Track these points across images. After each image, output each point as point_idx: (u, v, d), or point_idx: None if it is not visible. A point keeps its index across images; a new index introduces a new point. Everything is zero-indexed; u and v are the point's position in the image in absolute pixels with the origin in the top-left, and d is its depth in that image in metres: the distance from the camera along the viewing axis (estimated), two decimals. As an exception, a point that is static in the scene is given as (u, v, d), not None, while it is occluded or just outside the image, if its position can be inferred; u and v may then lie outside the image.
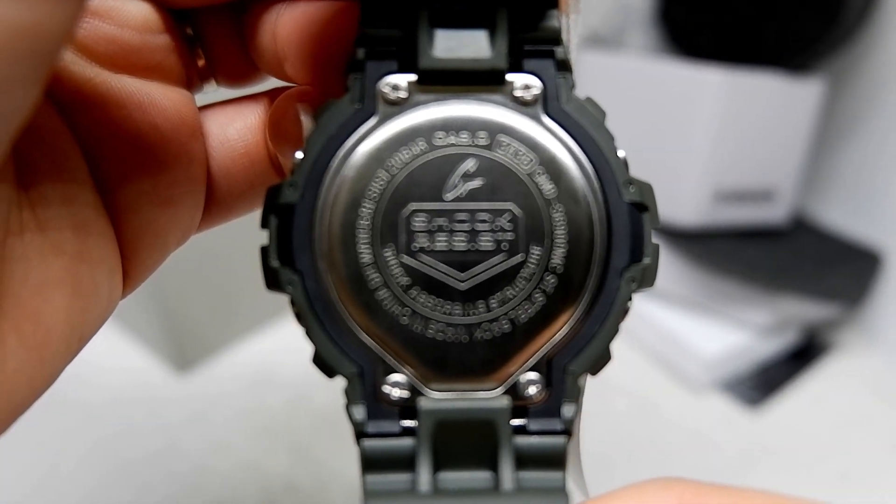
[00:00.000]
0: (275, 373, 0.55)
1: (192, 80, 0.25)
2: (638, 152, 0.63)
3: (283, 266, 0.18)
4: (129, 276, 0.23)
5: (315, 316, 0.18)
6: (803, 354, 0.62)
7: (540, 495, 0.17)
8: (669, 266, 0.62)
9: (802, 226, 0.69)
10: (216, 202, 0.25)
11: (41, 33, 0.15)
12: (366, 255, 0.17)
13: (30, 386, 0.18)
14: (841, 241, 0.66)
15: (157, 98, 0.23)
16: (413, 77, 0.18)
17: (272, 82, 0.25)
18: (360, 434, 0.18)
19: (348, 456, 0.48)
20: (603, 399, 0.56)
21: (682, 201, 0.61)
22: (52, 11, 0.15)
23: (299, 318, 0.18)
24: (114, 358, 0.55)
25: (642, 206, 0.18)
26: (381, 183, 0.17)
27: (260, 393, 0.53)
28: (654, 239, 0.18)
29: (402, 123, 0.17)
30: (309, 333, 0.18)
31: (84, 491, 0.45)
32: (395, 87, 0.18)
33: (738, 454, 0.53)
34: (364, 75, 0.18)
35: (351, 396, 0.18)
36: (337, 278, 0.17)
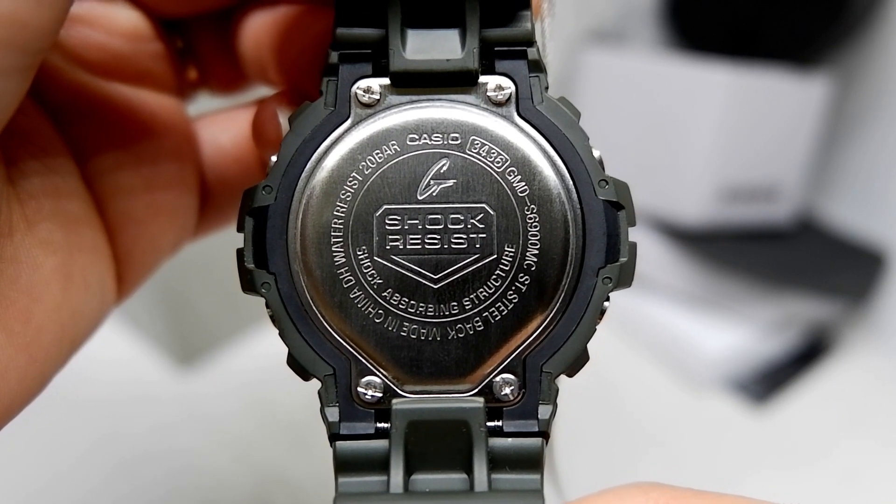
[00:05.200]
0: (276, 368, 0.55)
1: (183, 89, 0.25)
2: (642, 151, 0.63)
3: (258, 268, 0.18)
4: (124, 280, 0.23)
5: (289, 318, 0.18)
6: (808, 353, 0.61)
7: (514, 497, 0.17)
8: (673, 264, 0.62)
9: (807, 225, 0.69)
10: (211, 208, 0.26)
11: (26, 25, 0.15)
12: (339, 256, 0.18)
13: (21, 385, 0.18)
14: (846, 240, 0.66)
15: (148, 105, 0.23)
16: (386, 80, 0.18)
17: (264, 91, 0.26)
18: (333, 436, 0.18)
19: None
20: (606, 397, 0.55)
21: (686, 200, 0.61)
22: (37, 5, 0.15)
23: (274, 320, 0.18)
24: (115, 353, 0.56)
25: (618, 204, 0.18)
26: (355, 185, 0.18)
27: (262, 388, 0.54)
28: (631, 238, 0.18)
29: (375, 126, 0.18)
30: (283, 335, 0.18)
31: (83, 487, 0.46)
32: (369, 90, 0.18)
33: (742, 452, 0.53)
34: (338, 79, 0.18)
35: (325, 398, 0.18)
36: (310, 280, 0.18)
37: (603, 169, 0.18)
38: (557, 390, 0.18)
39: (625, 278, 0.18)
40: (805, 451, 0.53)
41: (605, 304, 0.18)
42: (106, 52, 0.22)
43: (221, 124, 0.26)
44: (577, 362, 0.18)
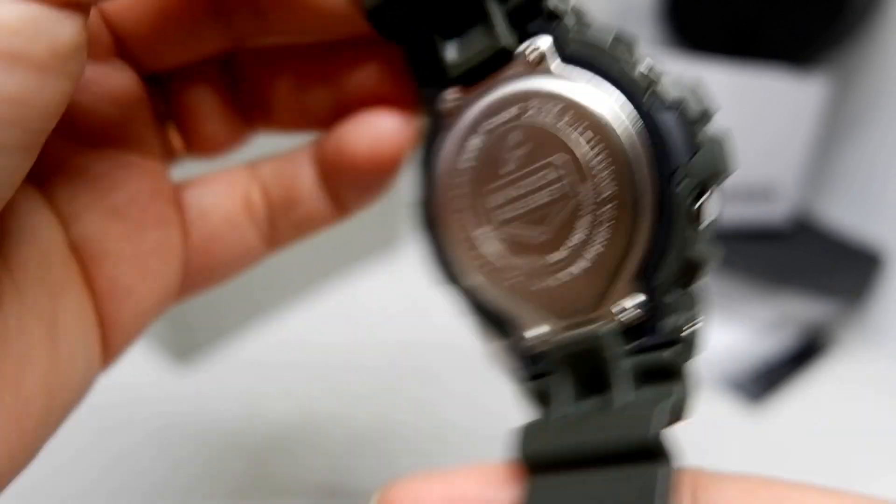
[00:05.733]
0: (274, 365, 0.55)
1: (166, 153, 0.25)
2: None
3: (441, 272, 0.24)
4: (109, 346, 0.23)
5: (465, 296, 0.23)
6: (804, 353, 0.62)
7: (653, 402, 0.18)
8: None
9: (804, 225, 0.69)
10: (195, 271, 0.25)
11: (30, 104, 0.15)
12: (467, 237, 0.22)
13: (10, 459, 0.18)
14: (842, 241, 0.66)
15: (134, 170, 0.23)
16: (455, 88, 0.22)
17: (241, 153, 0.27)
18: (511, 379, 0.22)
19: (343, 445, 0.48)
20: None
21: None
22: (42, 84, 0.15)
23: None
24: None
25: (675, 103, 0.18)
26: (463, 177, 0.22)
27: (258, 384, 0.54)
28: (710, 129, 0.19)
29: (460, 126, 0.22)
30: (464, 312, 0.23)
31: (79, 484, 0.46)
32: (447, 100, 0.22)
33: (737, 450, 0.53)
34: (425, 100, 0.23)
35: (498, 353, 0.22)
36: (460, 262, 0.22)
37: (652, 76, 0.19)
38: (685, 299, 0.19)
39: (712, 168, 0.19)
40: (800, 450, 0.53)
41: (698, 204, 0.19)
42: (96, 119, 0.22)
43: (205, 188, 0.26)
44: (690, 269, 0.19)
